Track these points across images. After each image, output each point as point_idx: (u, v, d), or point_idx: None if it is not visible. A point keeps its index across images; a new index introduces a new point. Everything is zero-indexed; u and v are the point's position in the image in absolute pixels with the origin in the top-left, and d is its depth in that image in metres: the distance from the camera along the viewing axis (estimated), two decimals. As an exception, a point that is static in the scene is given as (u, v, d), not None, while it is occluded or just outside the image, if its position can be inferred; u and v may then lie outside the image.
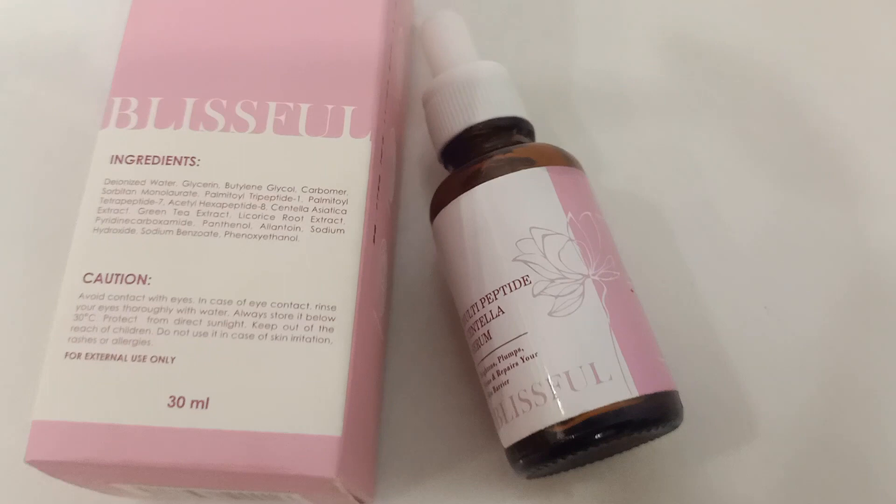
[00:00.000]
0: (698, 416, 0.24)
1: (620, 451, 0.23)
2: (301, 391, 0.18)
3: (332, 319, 0.18)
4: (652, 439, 0.23)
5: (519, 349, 0.21)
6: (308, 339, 0.18)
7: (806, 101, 0.28)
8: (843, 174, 0.27)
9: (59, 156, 0.27)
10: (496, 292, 0.21)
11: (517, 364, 0.21)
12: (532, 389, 0.20)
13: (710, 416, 0.24)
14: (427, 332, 0.25)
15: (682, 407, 0.21)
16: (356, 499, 0.20)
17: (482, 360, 0.22)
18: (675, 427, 0.21)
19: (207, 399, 0.18)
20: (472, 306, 0.22)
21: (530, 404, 0.20)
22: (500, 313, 0.21)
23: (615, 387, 0.20)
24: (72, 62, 0.28)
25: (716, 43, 0.29)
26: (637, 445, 0.23)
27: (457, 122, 0.24)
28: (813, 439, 0.24)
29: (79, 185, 0.20)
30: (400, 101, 0.25)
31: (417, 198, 0.27)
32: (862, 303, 0.25)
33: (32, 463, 0.18)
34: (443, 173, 0.25)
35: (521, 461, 0.21)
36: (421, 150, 0.28)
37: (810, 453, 0.24)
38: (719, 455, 0.24)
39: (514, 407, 0.21)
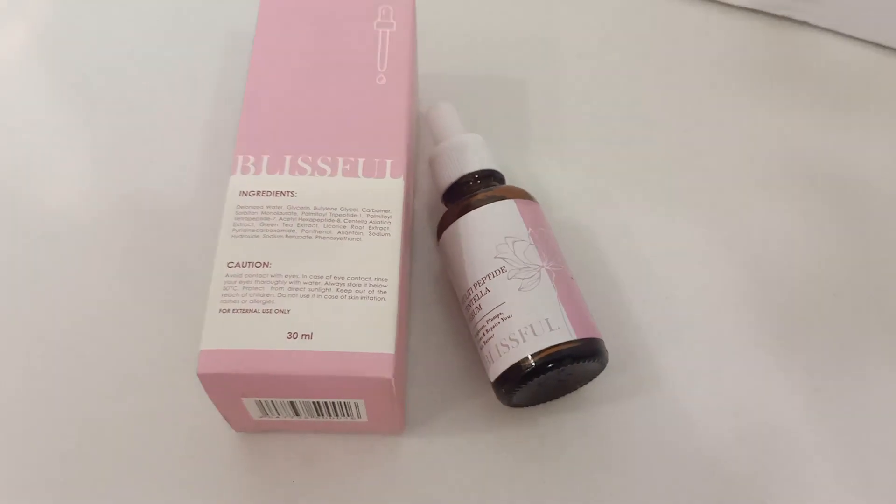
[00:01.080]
0: (620, 370, 0.35)
1: (569, 391, 0.34)
2: (369, 327, 0.28)
3: (385, 287, 0.29)
4: (590, 379, 0.34)
5: (500, 313, 0.32)
6: (371, 298, 0.29)
7: (692, 155, 0.41)
8: (716, 204, 0.39)
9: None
10: (484, 279, 0.32)
11: (499, 323, 0.32)
12: (509, 337, 0.31)
13: (628, 370, 0.35)
14: (434, 319, 0.36)
15: (607, 350, 0.32)
16: (400, 422, 0.31)
17: (476, 324, 0.33)
18: (603, 365, 0.32)
19: (312, 333, 0.28)
20: (468, 290, 0.33)
21: (508, 347, 0.31)
22: (487, 291, 0.32)
23: (562, 333, 0.31)
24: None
25: (629, 118, 0.42)
26: (581, 385, 0.34)
27: (453, 173, 0.35)
28: (701, 384, 0.35)
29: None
30: (413, 161, 0.37)
31: (424, 228, 0.38)
32: (730, 291, 0.37)
33: (201, 376, 0.28)
34: (439, 212, 0.36)
35: (503, 389, 0.32)
36: (425, 197, 0.39)
37: (699, 390, 0.35)
38: (635, 396, 0.35)
39: (498, 351, 0.32)
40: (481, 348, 0.33)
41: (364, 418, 0.31)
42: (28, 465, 0.33)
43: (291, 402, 0.30)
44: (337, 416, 0.31)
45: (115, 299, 0.36)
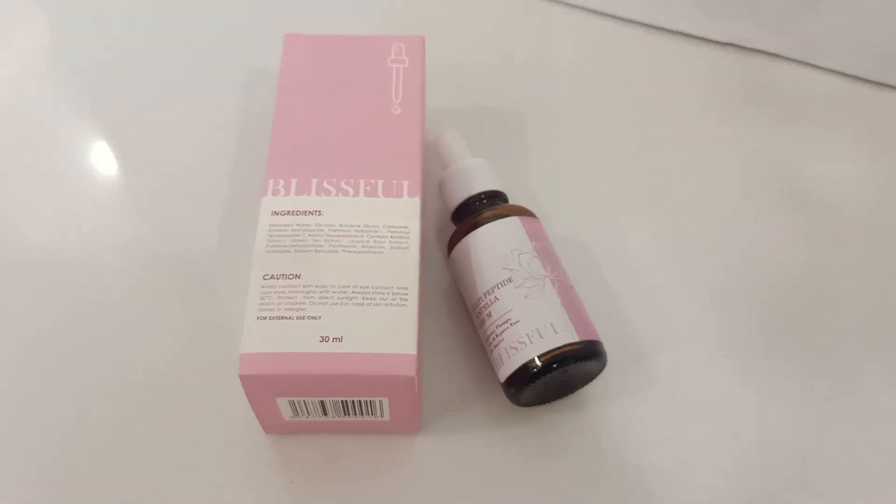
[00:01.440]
0: (617, 370, 0.38)
1: (571, 391, 0.37)
2: (393, 331, 0.31)
3: (406, 294, 0.32)
4: (591, 379, 0.37)
5: (508, 319, 0.35)
6: (394, 305, 0.32)
7: (678, 173, 0.44)
8: (703, 218, 0.43)
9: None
10: (493, 288, 0.36)
11: (507, 328, 0.35)
12: (517, 341, 0.34)
13: (625, 370, 0.38)
14: (445, 328, 0.39)
15: (605, 351, 0.35)
16: (417, 422, 0.34)
17: (486, 330, 0.36)
18: (603, 365, 0.36)
19: (342, 336, 0.31)
20: (478, 299, 0.36)
21: (517, 350, 0.34)
22: (496, 300, 0.35)
23: (565, 336, 0.34)
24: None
25: (620, 141, 0.45)
26: (583, 385, 0.37)
27: (461, 193, 0.38)
28: (691, 379, 0.38)
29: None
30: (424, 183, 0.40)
31: (433, 245, 0.42)
32: (718, 297, 0.40)
33: (242, 377, 0.31)
34: (447, 230, 0.40)
35: (512, 389, 0.35)
36: (434, 216, 0.42)
37: (691, 388, 0.38)
38: (632, 396, 0.38)
39: (507, 353, 0.35)
40: (491, 352, 0.36)
41: (386, 417, 0.34)
42: (65, 466, 0.35)
43: (321, 402, 0.33)
44: (362, 414, 0.34)
45: (147, 311, 0.39)
